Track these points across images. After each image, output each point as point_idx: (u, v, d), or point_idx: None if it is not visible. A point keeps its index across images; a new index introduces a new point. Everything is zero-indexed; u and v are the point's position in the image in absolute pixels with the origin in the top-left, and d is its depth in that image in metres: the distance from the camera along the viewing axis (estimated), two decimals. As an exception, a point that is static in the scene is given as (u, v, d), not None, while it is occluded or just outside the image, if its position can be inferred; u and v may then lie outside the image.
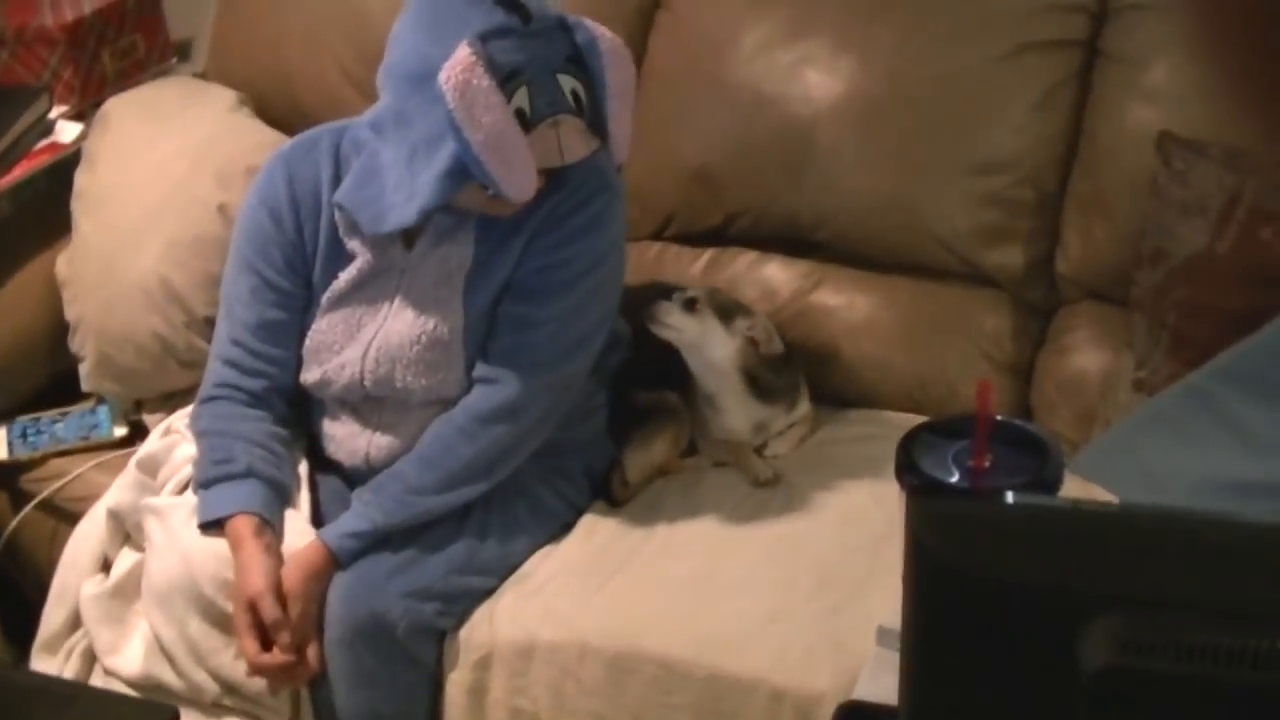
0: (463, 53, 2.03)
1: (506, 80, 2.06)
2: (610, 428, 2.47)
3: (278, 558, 2.17)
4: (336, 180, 2.29)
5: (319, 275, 2.31)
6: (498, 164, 2.06)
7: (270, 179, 2.33)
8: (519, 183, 2.09)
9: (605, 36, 2.15)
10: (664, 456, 2.43)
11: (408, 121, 2.14)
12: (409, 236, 2.27)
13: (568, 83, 2.12)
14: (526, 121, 2.08)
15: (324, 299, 2.31)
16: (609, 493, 2.41)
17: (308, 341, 2.32)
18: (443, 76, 2.03)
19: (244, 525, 2.18)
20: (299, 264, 2.31)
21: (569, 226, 2.26)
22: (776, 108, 2.63)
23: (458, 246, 2.26)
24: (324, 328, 2.31)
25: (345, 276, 2.29)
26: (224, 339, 2.34)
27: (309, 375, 2.33)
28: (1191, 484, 2.12)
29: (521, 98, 2.07)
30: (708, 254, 2.74)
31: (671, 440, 2.45)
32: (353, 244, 2.29)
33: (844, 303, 2.64)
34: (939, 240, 2.56)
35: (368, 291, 2.29)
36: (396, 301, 2.28)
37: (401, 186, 2.16)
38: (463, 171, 2.09)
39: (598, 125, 2.16)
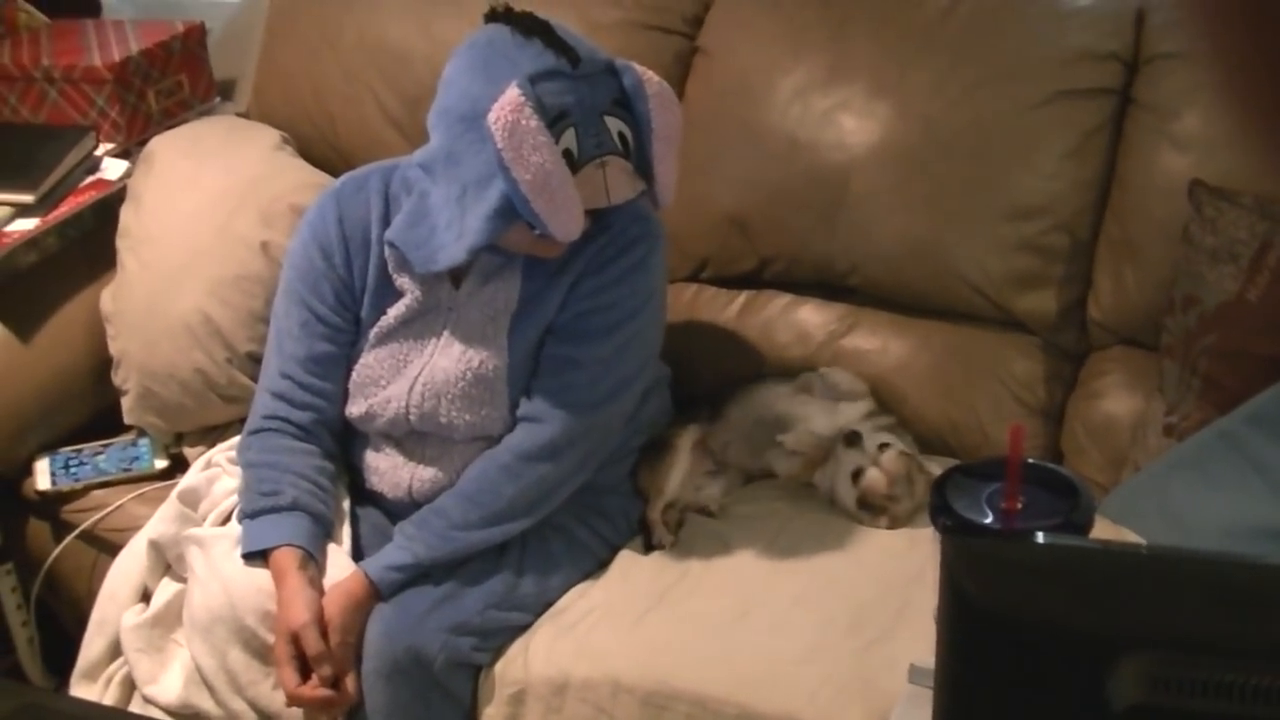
0: (512, 94, 2.07)
1: (554, 121, 2.09)
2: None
3: (320, 590, 2.20)
4: (386, 218, 2.33)
5: (367, 310, 2.35)
6: (544, 203, 2.09)
7: (321, 216, 2.37)
8: (565, 222, 2.12)
9: (652, 80, 2.19)
10: (678, 490, 2.44)
11: (458, 161, 2.18)
12: (456, 275, 2.30)
13: (615, 125, 2.15)
14: (574, 162, 2.11)
15: (371, 334, 2.34)
16: (650, 542, 2.41)
17: (354, 375, 2.36)
18: (492, 117, 2.07)
19: (288, 558, 2.20)
20: (348, 299, 2.35)
21: (613, 271, 2.29)
22: (811, 153, 2.65)
23: (505, 286, 2.29)
24: (371, 362, 2.34)
25: (394, 313, 2.33)
26: (273, 372, 2.37)
27: (354, 408, 2.36)
28: (1219, 528, 2.13)
29: (569, 139, 2.11)
30: (742, 297, 2.76)
31: (686, 471, 2.46)
32: (402, 281, 2.33)
33: (877, 346, 2.65)
34: (972, 286, 2.58)
35: (415, 328, 2.32)
36: (443, 338, 2.31)
37: (452, 226, 2.20)
38: (511, 211, 2.12)
39: (643, 167, 2.20)
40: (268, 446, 2.34)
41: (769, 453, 2.49)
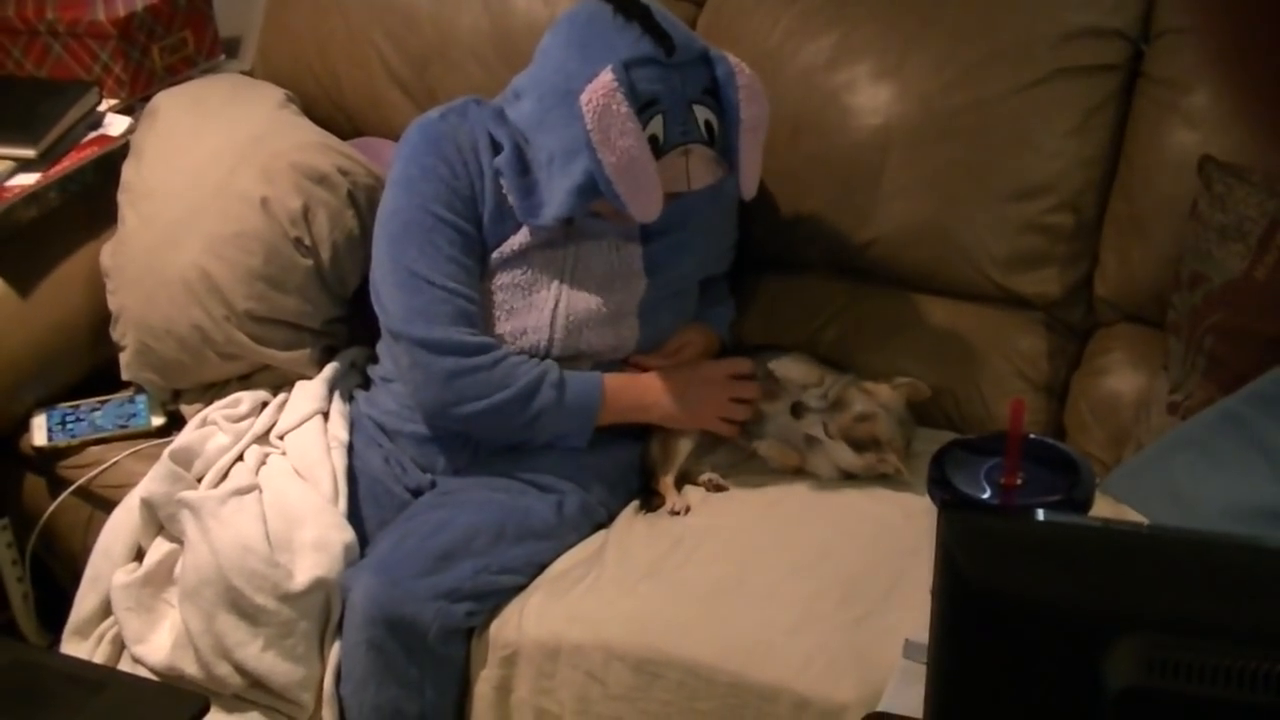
0: (605, 77, 2.14)
1: (644, 108, 2.17)
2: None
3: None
4: (493, 145, 2.36)
5: (488, 232, 2.37)
6: (627, 186, 2.16)
7: (434, 140, 2.37)
8: (645, 204, 2.19)
9: (744, 72, 2.25)
10: (689, 449, 2.46)
11: (547, 130, 2.24)
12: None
13: (702, 113, 2.23)
14: (658, 148, 2.19)
15: (493, 258, 2.37)
16: (650, 501, 2.42)
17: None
18: (584, 98, 2.14)
19: (611, 376, 2.41)
20: (477, 215, 2.36)
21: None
22: (816, 135, 2.64)
23: (623, 230, 2.37)
24: (493, 288, 2.37)
25: (515, 242, 2.36)
26: (434, 317, 2.33)
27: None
28: (1222, 507, 2.12)
29: (656, 125, 2.19)
30: (749, 276, 2.75)
31: (697, 440, 2.48)
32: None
33: (882, 321, 2.64)
34: (976, 267, 2.57)
35: (538, 259, 2.37)
36: (570, 271, 2.37)
37: (547, 187, 2.26)
38: (593, 188, 2.19)
39: (727, 155, 2.26)
40: (489, 363, 2.34)
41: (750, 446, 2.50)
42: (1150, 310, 2.49)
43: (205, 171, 2.66)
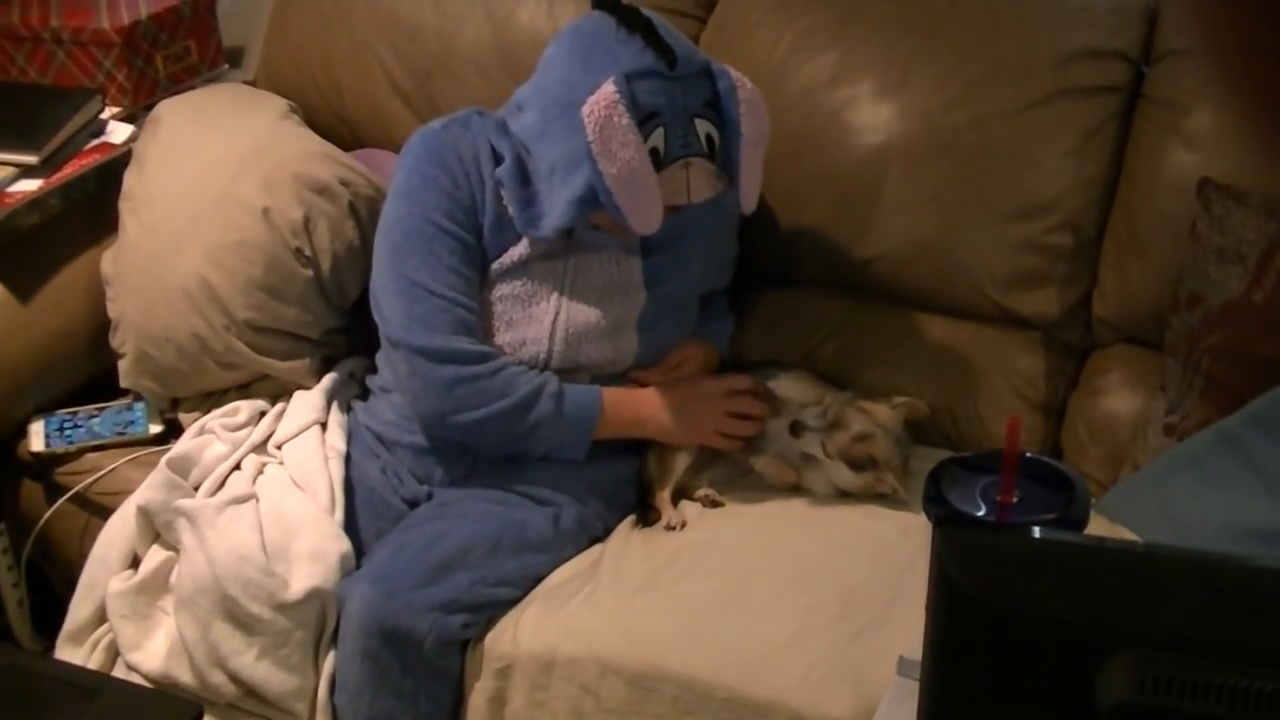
0: (608, 89, 2.14)
1: (645, 120, 2.17)
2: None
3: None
4: (494, 156, 2.36)
5: (488, 243, 2.37)
6: (627, 197, 2.16)
7: (436, 150, 2.37)
8: (645, 216, 2.20)
9: (745, 86, 2.26)
10: (685, 465, 2.47)
11: (549, 141, 2.25)
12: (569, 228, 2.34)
13: (703, 127, 2.23)
14: (659, 160, 2.19)
15: (492, 269, 2.37)
16: (647, 515, 2.42)
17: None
18: (586, 109, 2.14)
19: (609, 390, 2.40)
20: (477, 226, 2.37)
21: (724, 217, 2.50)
22: (817, 151, 2.64)
23: (624, 238, 2.36)
24: (493, 299, 2.38)
25: (515, 253, 2.36)
26: (434, 326, 2.32)
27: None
28: (1217, 528, 2.12)
29: (657, 138, 2.19)
30: (749, 291, 2.75)
31: (694, 455, 2.48)
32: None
33: (881, 340, 2.64)
34: (975, 286, 2.57)
35: (538, 270, 2.37)
36: (570, 282, 2.37)
37: (548, 198, 2.27)
38: (594, 199, 2.19)
39: (728, 169, 2.26)
40: (488, 374, 2.33)
41: (748, 462, 2.51)
42: (1148, 331, 2.49)
43: (207, 180, 2.66)
